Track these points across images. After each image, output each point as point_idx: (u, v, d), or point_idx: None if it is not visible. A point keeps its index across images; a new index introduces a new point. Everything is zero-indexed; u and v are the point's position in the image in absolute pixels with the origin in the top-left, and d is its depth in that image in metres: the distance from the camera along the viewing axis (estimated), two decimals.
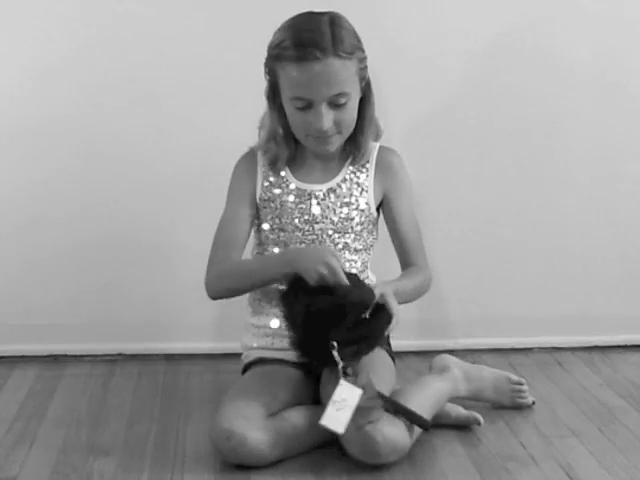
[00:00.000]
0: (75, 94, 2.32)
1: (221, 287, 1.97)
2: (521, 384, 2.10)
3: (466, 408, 2.01)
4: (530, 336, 2.49)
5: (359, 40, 1.90)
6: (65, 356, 2.41)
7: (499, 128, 2.42)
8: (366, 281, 1.96)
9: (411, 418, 1.81)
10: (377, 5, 2.32)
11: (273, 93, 1.94)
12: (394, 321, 1.82)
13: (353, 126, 1.95)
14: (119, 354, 2.43)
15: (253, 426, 1.79)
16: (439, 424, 1.96)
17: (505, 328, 2.49)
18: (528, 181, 2.45)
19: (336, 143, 1.95)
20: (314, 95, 1.87)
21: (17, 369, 2.34)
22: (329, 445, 1.86)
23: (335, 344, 1.77)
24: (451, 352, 2.17)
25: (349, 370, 1.80)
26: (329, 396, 1.83)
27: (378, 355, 1.97)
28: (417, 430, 1.85)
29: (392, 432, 1.77)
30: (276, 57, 1.88)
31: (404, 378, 2.17)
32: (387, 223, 2.04)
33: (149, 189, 2.37)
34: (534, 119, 2.43)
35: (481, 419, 1.99)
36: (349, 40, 1.87)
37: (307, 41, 1.84)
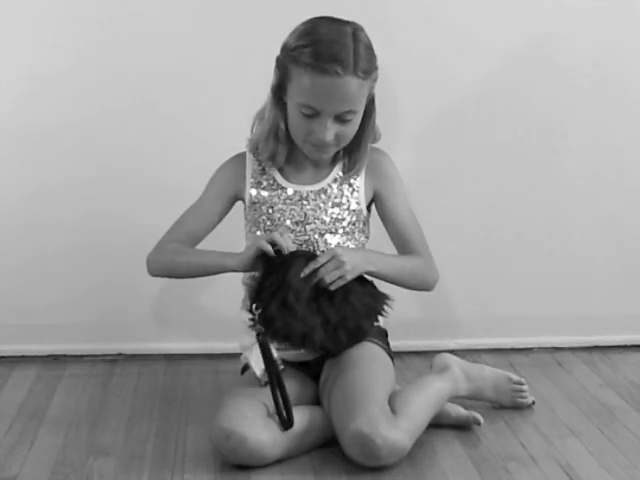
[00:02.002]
0: (77, 99, 2.32)
1: (160, 267, 2.00)
2: (521, 384, 2.10)
3: (466, 408, 2.01)
4: (530, 336, 2.49)
5: (375, 58, 1.90)
6: (65, 356, 2.41)
7: (499, 128, 2.42)
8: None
9: (279, 411, 1.82)
10: (379, 4, 2.32)
11: (279, 90, 1.93)
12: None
13: (351, 139, 1.95)
14: (119, 354, 2.43)
15: (253, 426, 1.79)
16: (439, 424, 1.96)
17: (505, 328, 2.49)
18: (528, 181, 2.45)
19: (332, 152, 1.97)
20: (325, 108, 1.86)
21: (17, 369, 2.34)
22: (329, 445, 1.86)
23: (255, 309, 1.84)
24: (451, 352, 2.16)
25: (261, 338, 1.84)
26: (327, 395, 1.84)
27: (377, 355, 1.98)
28: (418, 432, 1.85)
29: (392, 435, 1.77)
30: (293, 59, 1.86)
31: (404, 378, 2.18)
32: (384, 222, 2.04)
33: (150, 190, 2.36)
34: (534, 119, 2.43)
35: (481, 419, 1.99)
36: (369, 59, 1.87)
37: (330, 54, 1.83)
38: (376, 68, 1.90)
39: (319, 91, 1.85)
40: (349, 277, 1.88)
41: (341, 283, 1.87)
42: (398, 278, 1.98)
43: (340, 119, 1.89)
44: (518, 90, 2.41)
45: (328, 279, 1.85)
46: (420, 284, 2.03)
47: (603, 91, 2.43)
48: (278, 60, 1.91)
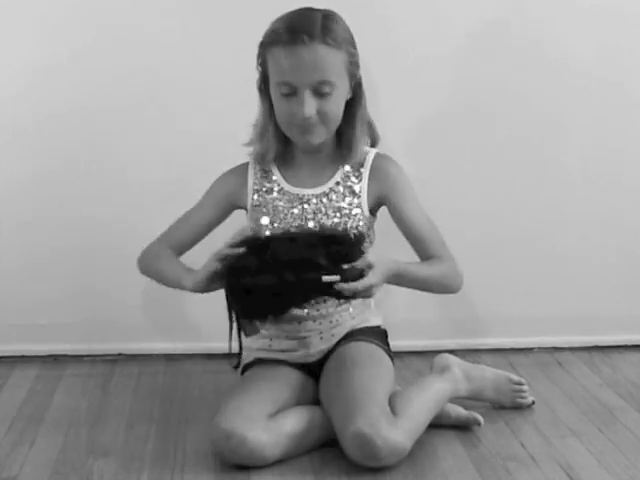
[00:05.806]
0: (74, 102, 2.33)
1: (145, 270, 2.07)
2: (521, 384, 2.10)
3: (466, 408, 2.01)
4: (530, 336, 2.49)
5: (352, 37, 1.92)
6: (65, 356, 2.42)
7: (499, 128, 2.42)
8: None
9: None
10: (375, 4, 2.32)
11: (264, 84, 1.95)
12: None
13: (338, 121, 1.94)
14: (119, 354, 2.43)
15: (253, 426, 1.79)
16: (439, 424, 1.96)
17: (505, 328, 2.49)
18: (528, 181, 2.45)
19: (320, 135, 1.94)
20: (298, 79, 1.87)
21: (17, 369, 2.35)
22: (329, 445, 1.86)
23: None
24: (451, 352, 2.17)
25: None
26: (327, 396, 1.84)
27: (377, 355, 1.98)
28: (418, 432, 1.85)
29: (392, 435, 1.77)
30: (267, 44, 1.90)
31: (404, 378, 2.18)
32: (400, 228, 2.00)
33: (148, 189, 2.37)
34: (534, 119, 2.43)
35: (481, 419, 1.98)
36: (339, 33, 1.89)
37: (297, 26, 1.86)
38: (351, 45, 1.91)
39: (290, 63, 1.86)
40: (372, 295, 1.87)
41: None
42: (423, 288, 1.98)
43: (318, 92, 1.88)
44: (517, 90, 2.41)
45: (353, 289, 1.80)
46: (445, 290, 2.02)
47: (603, 91, 2.43)
48: (258, 53, 1.94)
